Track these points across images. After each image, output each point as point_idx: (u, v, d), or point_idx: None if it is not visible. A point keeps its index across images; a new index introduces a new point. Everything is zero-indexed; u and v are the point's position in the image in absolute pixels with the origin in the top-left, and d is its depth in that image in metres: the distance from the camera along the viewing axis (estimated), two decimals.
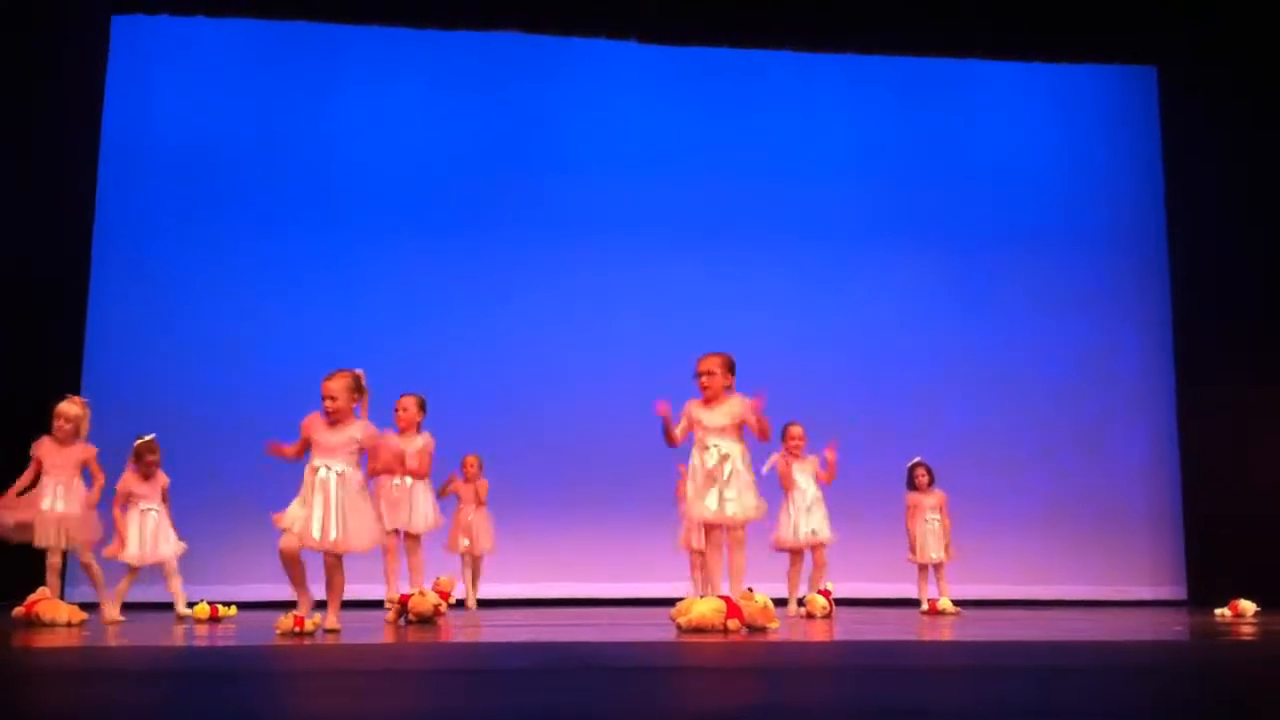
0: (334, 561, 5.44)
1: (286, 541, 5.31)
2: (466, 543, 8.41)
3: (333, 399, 5.38)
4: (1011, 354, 10.61)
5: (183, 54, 10.08)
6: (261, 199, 10.04)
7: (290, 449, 5.45)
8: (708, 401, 5.79)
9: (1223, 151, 10.36)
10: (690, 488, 5.82)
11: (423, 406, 7.04)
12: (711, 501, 5.67)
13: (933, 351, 10.49)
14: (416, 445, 6.88)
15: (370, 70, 10.35)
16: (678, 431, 5.82)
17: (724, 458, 5.70)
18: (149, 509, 6.98)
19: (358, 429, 5.42)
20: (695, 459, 5.79)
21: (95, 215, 9.55)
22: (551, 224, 10.30)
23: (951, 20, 10.28)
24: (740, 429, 5.79)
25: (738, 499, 5.69)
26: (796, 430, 7.92)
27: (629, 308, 10.19)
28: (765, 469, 5.95)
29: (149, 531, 6.95)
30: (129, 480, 6.98)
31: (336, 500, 5.32)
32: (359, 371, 5.51)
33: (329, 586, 5.48)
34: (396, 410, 6.93)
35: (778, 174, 10.59)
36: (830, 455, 7.90)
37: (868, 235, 10.61)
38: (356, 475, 5.41)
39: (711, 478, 5.70)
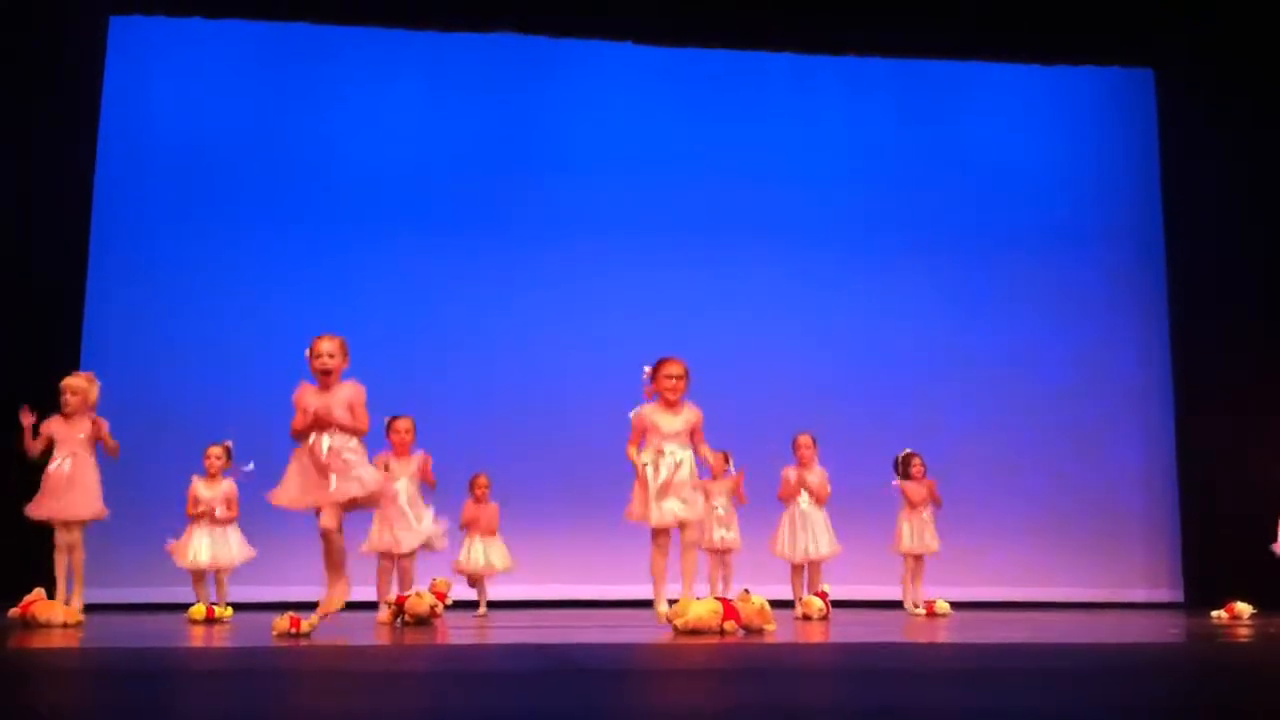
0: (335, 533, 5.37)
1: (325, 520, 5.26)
2: (497, 562, 7.91)
3: (330, 356, 5.38)
4: (1010, 356, 10.61)
5: (180, 55, 10.08)
6: (258, 199, 10.04)
7: (299, 423, 5.39)
8: (670, 406, 5.84)
9: (1220, 154, 10.37)
10: (642, 491, 5.87)
11: (412, 428, 6.90)
12: (672, 505, 5.78)
13: (931, 354, 10.49)
14: (414, 466, 6.79)
15: (367, 72, 10.35)
16: (633, 453, 5.93)
17: (678, 465, 5.81)
18: (207, 515, 7.16)
19: (348, 389, 5.38)
20: (650, 462, 5.85)
21: (93, 215, 9.55)
22: (549, 225, 10.29)
23: (949, 23, 10.28)
24: (690, 436, 5.91)
25: (691, 502, 5.83)
26: (804, 439, 7.85)
27: (626, 309, 10.18)
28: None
29: (204, 538, 7.08)
30: (194, 484, 7.16)
31: (331, 459, 5.27)
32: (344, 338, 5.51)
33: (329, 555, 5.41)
34: (394, 433, 6.76)
35: (775, 175, 10.58)
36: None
37: (865, 237, 10.61)
38: (350, 439, 5.36)
39: (667, 485, 5.79)
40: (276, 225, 10.03)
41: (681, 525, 5.88)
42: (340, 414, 5.32)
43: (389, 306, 9.92)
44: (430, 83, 10.44)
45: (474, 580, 8.00)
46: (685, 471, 5.86)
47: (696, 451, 5.94)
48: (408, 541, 6.67)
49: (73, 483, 6.38)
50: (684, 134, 10.58)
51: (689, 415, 5.91)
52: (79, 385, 6.49)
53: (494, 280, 10.18)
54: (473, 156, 10.37)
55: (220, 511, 7.17)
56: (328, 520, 5.31)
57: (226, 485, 7.24)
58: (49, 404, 6.59)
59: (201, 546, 7.13)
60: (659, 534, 5.91)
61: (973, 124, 11.01)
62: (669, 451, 5.84)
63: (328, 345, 5.42)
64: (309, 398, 5.40)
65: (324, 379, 5.41)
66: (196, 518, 7.18)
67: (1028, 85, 11.07)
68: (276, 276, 9.93)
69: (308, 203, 10.09)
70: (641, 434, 5.95)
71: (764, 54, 10.66)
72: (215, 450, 7.28)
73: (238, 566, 7.32)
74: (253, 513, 7.50)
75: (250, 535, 7.40)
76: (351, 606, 6.51)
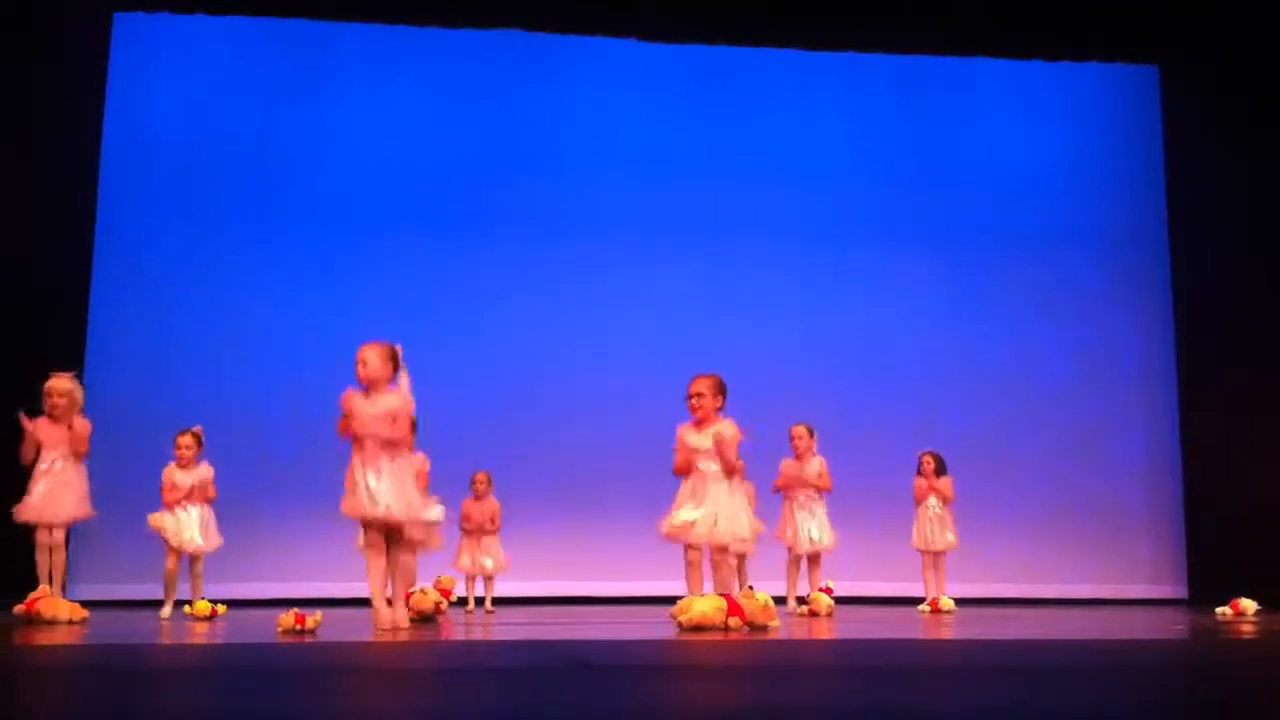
0: (402, 542, 5.35)
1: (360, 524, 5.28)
2: (489, 563, 7.91)
3: (364, 363, 5.36)
4: (1012, 354, 10.60)
5: (184, 52, 10.08)
6: (262, 197, 10.03)
7: (340, 425, 5.41)
8: (698, 424, 5.79)
9: (1225, 151, 10.34)
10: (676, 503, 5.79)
11: (413, 426, 6.92)
12: (702, 525, 5.66)
13: (933, 352, 10.47)
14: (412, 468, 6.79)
15: (371, 69, 10.34)
16: (682, 466, 5.83)
17: (703, 479, 5.70)
18: (185, 507, 7.10)
19: (393, 398, 5.36)
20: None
21: (97, 213, 9.55)
22: (550, 223, 10.29)
23: (952, 19, 10.26)
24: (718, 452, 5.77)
25: (718, 523, 5.67)
26: (798, 430, 7.88)
27: (626, 307, 10.19)
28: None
29: (182, 523, 7.04)
30: (169, 471, 7.10)
31: (387, 472, 5.26)
32: (396, 345, 5.48)
33: (392, 574, 5.39)
34: None
35: (776, 173, 10.57)
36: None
37: (868, 236, 10.60)
38: (401, 448, 5.34)
39: (693, 497, 5.70)
40: (279, 223, 10.02)
41: (701, 544, 5.74)
42: (380, 427, 5.28)
43: (392, 304, 9.91)
44: (434, 80, 10.43)
45: (469, 579, 7.99)
46: (714, 487, 5.69)
47: (722, 464, 5.76)
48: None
49: (57, 485, 6.34)
50: (686, 131, 10.57)
51: (717, 432, 5.74)
52: (64, 387, 6.43)
53: (495, 278, 10.17)
54: (475, 154, 10.36)
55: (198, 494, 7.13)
56: (360, 540, 5.34)
57: (203, 470, 7.19)
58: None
59: (185, 526, 7.08)
60: (686, 548, 5.82)
61: (976, 121, 10.99)
62: (702, 466, 5.74)
63: (362, 354, 5.39)
64: (353, 403, 5.38)
65: (364, 385, 5.39)
66: (171, 505, 7.11)
67: (1031, 82, 11.05)
68: (280, 274, 9.92)
69: (312, 200, 10.08)
70: (685, 450, 5.83)
71: (766, 50, 10.64)
72: (185, 439, 7.21)
73: (207, 554, 7.28)
74: (253, 509, 7.52)
75: (251, 528, 7.38)
76: (356, 603, 6.52)
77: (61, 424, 6.41)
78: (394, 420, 5.34)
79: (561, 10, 10.14)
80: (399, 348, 5.49)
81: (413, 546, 5.80)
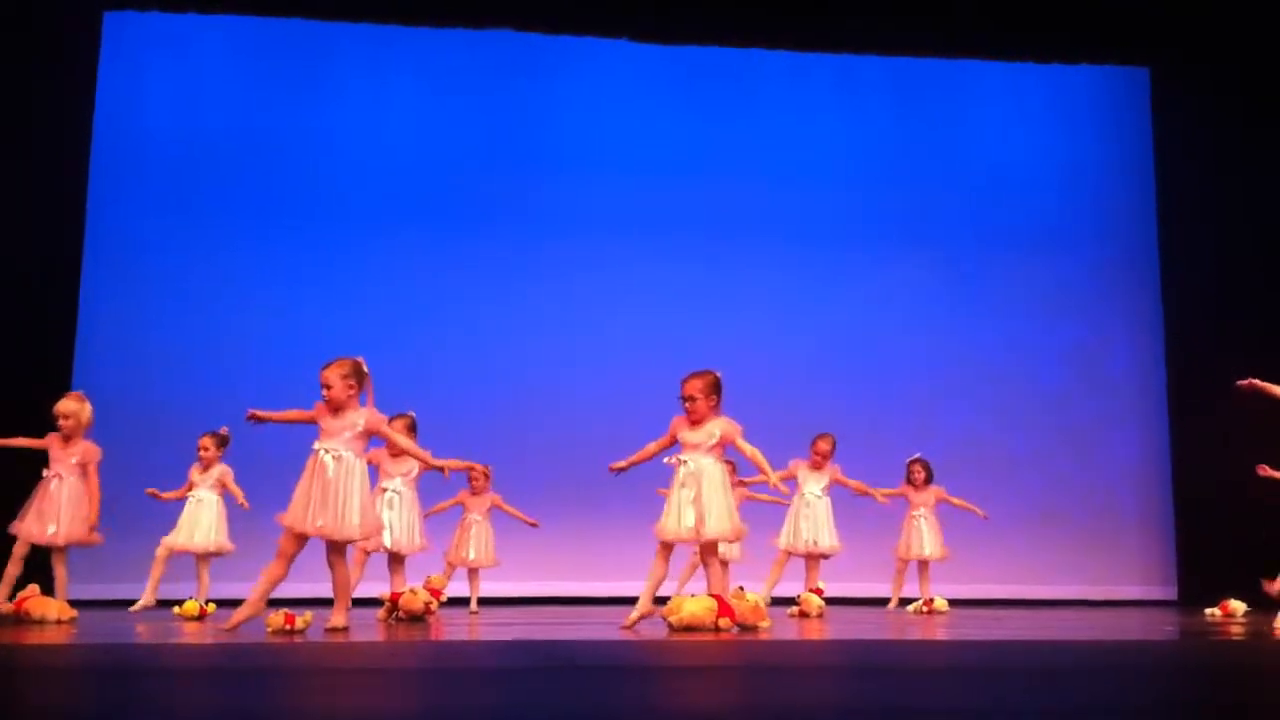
0: (332, 552, 5.38)
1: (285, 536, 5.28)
2: (471, 555, 7.88)
3: (327, 387, 5.34)
4: (1005, 356, 10.61)
5: (174, 51, 10.05)
6: (254, 197, 10.01)
7: (290, 415, 5.42)
8: (693, 423, 5.78)
9: (1215, 153, 10.37)
10: (668, 503, 5.75)
11: (412, 427, 6.80)
12: (688, 519, 5.61)
13: (927, 353, 10.49)
14: (410, 467, 6.74)
15: (363, 68, 10.33)
16: (652, 449, 5.84)
17: (696, 475, 5.65)
18: (198, 498, 7.28)
19: (360, 415, 5.35)
20: (676, 474, 5.77)
21: (87, 213, 9.51)
22: (544, 223, 10.28)
23: (945, 21, 10.27)
24: (722, 449, 5.76)
25: (710, 519, 5.62)
26: (822, 446, 7.90)
27: (621, 307, 10.18)
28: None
29: (190, 519, 7.13)
30: (191, 472, 7.36)
31: (332, 483, 5.26)
32: (358, 359, 5.44)
33: (332, 580, 5.41)
34: None
35: (770, 174, 10.58)
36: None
37: (861, 236, 10.61)
38: (357, 462, 5.34)
39: (685, 496, 5.65)
40: (271, 223, 10.00)
41: (699, 541, 5.70)
42: (354, 443, 5.31)
43: (383, 303, 9.90)
44: (425, 79, 10.42)
45: (451, 568, 7.98)
46: (710, 487, 5.65)
47: (743, 456, 5.81)
48: (398, 543, 6.66)
49: (61, 507, 6.38)
50: (682, 132, 10.57)
51: (712, 429, 5.70)
52: (71, 409, 6.50)
53: (489, 277, 10.16)
54: (468, 153, 10.35)
55: (210, 497, 7.26)
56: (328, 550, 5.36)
57: (220, 471, 7.30)
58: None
59: (184, 522, 7.18)
60: (704, 550, 5.76)
61: (969, 123, 11.01)
62: (689, 461, 5.71)
63: (323, 376, 5.36)
64: (320, 415, 5.36)
65: (330, 406, 5.37)
66: (182, 495, 7.22)
67: (1024, 84, 11.07)
68: (271, 274, 9.89)
69: (303, 200, 10.06)
70: (671, 440, 5.82)
71: (759, 51, 10.64)
72: (203, 440, 7.34)
73: (214, 556, 7.34)
74: (240, 513, 7.50)
75: (244, 527, 7.38)
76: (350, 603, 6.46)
77: (72, 443, 6.49)
78: (366, 436, 5.38)
79: (558, 11, 10.13)
80: (361, 360, 5.43)
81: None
